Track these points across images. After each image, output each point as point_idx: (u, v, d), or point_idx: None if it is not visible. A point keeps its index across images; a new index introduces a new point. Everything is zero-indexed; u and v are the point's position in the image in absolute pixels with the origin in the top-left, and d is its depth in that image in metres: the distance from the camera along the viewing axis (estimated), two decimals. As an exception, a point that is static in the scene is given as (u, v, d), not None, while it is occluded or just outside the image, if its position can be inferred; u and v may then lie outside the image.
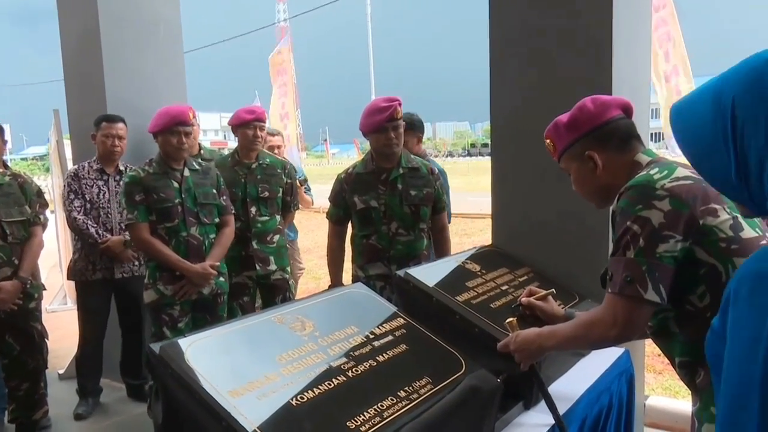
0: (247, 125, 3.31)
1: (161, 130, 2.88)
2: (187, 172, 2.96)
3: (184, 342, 1.36)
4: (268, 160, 3.44)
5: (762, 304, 0.67)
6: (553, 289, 1.88)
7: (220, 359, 1.34)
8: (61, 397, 3.71)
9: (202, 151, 3.77)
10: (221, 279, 3.03)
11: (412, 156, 2.87)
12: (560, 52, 2.41)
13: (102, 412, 3.59)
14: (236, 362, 1.36)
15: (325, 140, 57.98)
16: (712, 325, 0.76)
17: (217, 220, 3.02)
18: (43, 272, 4.23)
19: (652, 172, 1.33)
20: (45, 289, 3.09)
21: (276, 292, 3.39)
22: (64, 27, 3.96)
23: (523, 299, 1.82)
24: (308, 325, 1.56)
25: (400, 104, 2.66)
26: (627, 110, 1.53)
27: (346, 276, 2.94)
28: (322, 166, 40.81)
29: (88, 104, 3.75)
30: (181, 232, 2.89)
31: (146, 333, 3.56)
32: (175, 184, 2.91)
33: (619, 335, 1.32)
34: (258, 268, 3.31)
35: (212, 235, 3.00)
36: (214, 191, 3.02)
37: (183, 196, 2.90)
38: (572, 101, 1.57)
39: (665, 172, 1.31)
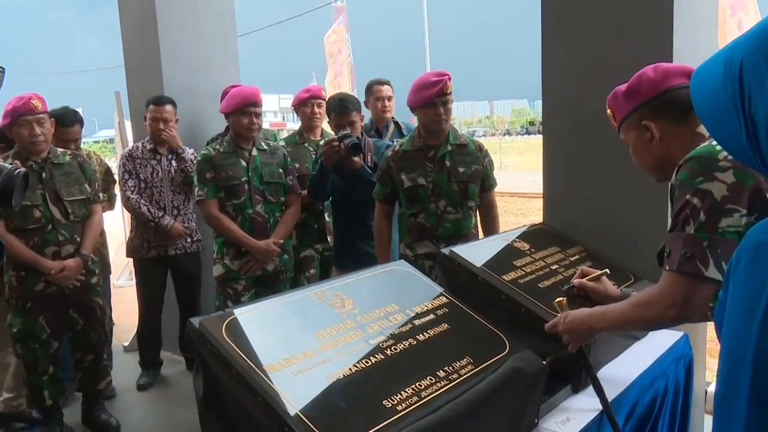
0: (305, 104, 3.42)
1: (233, 111, 2.96)
2: (255, 152, 3.03)
3: (223, 317, 1.36)
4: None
5: (759, 275, 0.63)
6: (607, 270, 1.80)
7: (258, 335, 1.34)
8: (125, 368, 3.88)
9: None
10: (285, 256, 3.12)
11: (460, 132, 2.81)
12: (615, 26, 2.28)
13: (162, 383, 3.73)
14: (274, 338, 1.35)
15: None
16: (718, 297, 0.72)
17: (282, 199, 3.09)
18: (112, 249, 4.42)
19: (714, 143, 1.25)
20: (100, 265, 3.19)
21: (330, 264, 3.42)
22: (123, 12, 4.06)
23: (575, 280, 1.75)
24: (348, 302, 1.54)
25: (449, 79, 2.60)
26: None
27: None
28: (379, 147, 40.81)
29: (147, 87, 3.85)
30: (247, 210, 2.98)
31: (202, 307, 3.68)
32: (243, 163, 2.99)
33: (677, 315, 1.25)
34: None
35: (277, 214, 3.08)
36: (281, 171, 3.08)
37: (250, 174, 2.98)
38: (627, 76, 1.51)
39: None
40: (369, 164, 3.04)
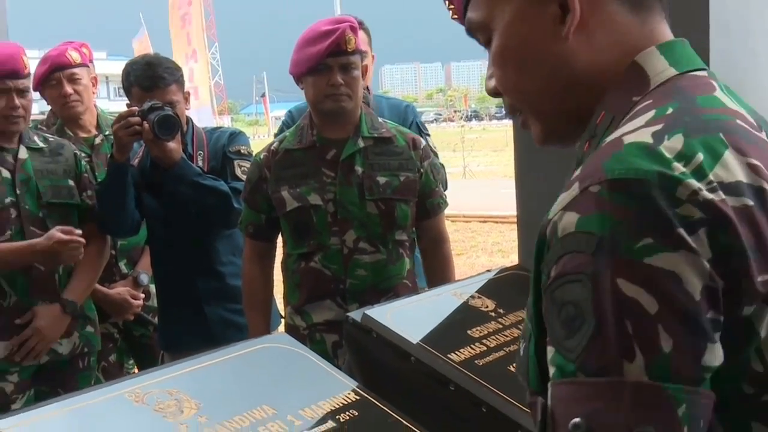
0: (46, 80, 3.43)
1: None
2: (24, 153, 3.02)
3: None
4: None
5: None
6: None
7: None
8: None
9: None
10: (89, 328, 3.11)
11: (381, 119, 2.86)
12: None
13: None
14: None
15: (263, 95, 57.33)
16: None
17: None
18: None
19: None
20: None
21: (153, 348, 3.49)
22: None
23: None
24: (188, 405, 1.55)
25: (353, 27, 2.65)
26: None
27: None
28: (260, 138, 40.30)
29: None
30: None
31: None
32: (5, 173, 2.96)
33: None
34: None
35: None
36: (71, 183, 3.09)
37: (19, 192, 2.96)
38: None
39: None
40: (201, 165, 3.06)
